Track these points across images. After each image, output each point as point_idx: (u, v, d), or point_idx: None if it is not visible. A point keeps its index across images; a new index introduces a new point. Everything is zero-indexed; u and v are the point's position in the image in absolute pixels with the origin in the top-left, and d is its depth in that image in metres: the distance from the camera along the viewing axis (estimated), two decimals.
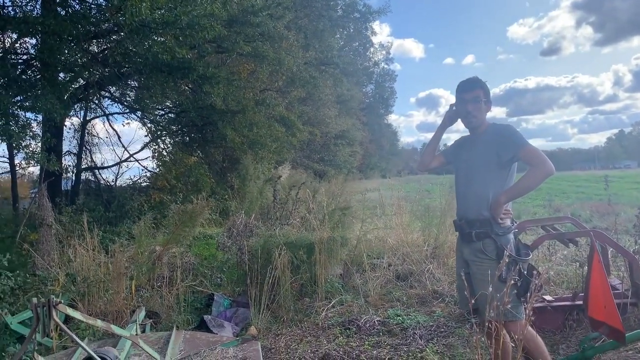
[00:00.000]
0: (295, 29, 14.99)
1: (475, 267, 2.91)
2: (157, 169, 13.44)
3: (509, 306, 2.43)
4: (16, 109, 7.05)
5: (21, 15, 6.98)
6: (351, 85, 32.55)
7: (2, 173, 13.08)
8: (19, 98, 7.17)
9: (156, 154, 13.14)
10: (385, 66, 58.21)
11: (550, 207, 13.57)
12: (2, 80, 7.12)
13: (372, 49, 52.25)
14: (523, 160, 2.80)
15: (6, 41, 8.46)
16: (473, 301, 2.44)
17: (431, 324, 4.56)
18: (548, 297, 4.26)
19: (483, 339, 3.08)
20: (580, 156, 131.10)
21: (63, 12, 7.53)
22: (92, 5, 8.13)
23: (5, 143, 9.64)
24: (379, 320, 4.65)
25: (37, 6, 7.97)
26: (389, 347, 4.12)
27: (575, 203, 14.54)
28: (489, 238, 2.85)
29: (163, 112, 13.71)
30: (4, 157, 11.66)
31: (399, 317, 4.73)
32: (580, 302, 3.97)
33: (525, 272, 2.77)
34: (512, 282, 2.35)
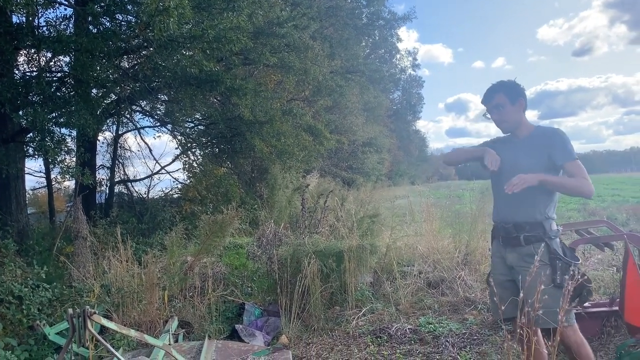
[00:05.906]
0: (321, 39, 15.02)
1: (525, 272, 2.81)
2: (188, 181, 13.66)
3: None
4: (51, 125, 7.24)
5: (55, 35, 7.17)
6: (378, 92, 32.43)
7: (40, 187, 13.60)
8: (54, 114, 7.35)
9: (187, 166, 13.36)
10: (412, 72, 58.17)
11: (585, 210, 13.23)
12: (38, 98, 7.34)
13: (398, 56, 52.29)
14: (566, 172, 2.76)
15: (41, 60, 8.74)
16: (525, 307, 2.37)
17: (464, 331, 4.50)
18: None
19: (515, 345, 3.03)
20: (615, 158, 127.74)
21: (95, 30, 7.72)
22: (122, 23, 8.33)
23: (42, 158, 9.99)
24: (411, 329, 4.61)
25: (70, 25, 8.21)
26: (421, 355, 4.08)
27: (611, 206, 14.13)
28: (541, 241, 2.78)
29: (193, 125, 13.95)
30: (40, 172, 12.12)
31: (430, 325, 4.68)
32: (617, 308, 3.87)
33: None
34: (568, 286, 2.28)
